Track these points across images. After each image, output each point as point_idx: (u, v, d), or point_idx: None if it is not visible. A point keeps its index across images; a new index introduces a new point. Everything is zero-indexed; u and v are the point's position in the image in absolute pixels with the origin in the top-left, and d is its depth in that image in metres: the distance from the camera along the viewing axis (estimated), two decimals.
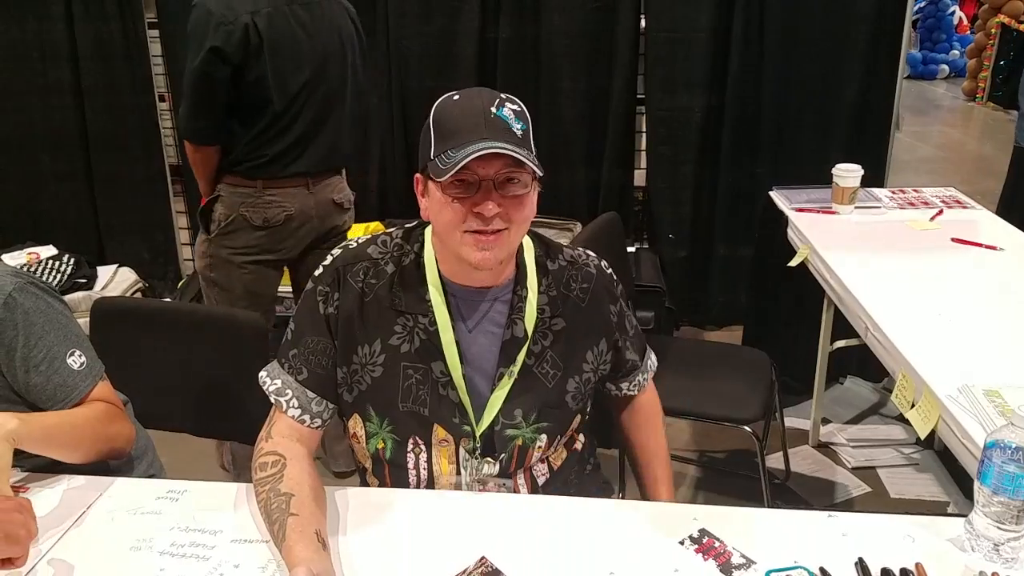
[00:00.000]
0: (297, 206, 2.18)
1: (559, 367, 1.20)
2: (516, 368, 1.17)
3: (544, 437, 1.20)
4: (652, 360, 1.40)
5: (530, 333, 1.17)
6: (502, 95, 1.09)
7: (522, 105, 1.10)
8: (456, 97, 1.10)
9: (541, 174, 1.09)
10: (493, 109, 1.06)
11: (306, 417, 1.17)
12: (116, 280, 3.18)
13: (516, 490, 1.22)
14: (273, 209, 2.15)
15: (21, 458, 1.18)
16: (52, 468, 1.21)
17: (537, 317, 1.18)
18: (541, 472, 1.24)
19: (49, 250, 3.14)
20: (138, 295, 3.22)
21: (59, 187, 3.42)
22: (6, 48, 3.23)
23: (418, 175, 1.13)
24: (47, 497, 1.17)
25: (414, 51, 3.14)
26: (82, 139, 3.35)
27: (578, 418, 1.26)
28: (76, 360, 1.22)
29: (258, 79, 2.03)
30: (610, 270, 1.28)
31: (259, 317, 1.65)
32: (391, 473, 1.21)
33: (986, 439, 1.02)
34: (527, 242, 1.21)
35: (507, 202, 1.07)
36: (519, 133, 1.07)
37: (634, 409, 1.40)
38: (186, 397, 1.60)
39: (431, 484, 1.20)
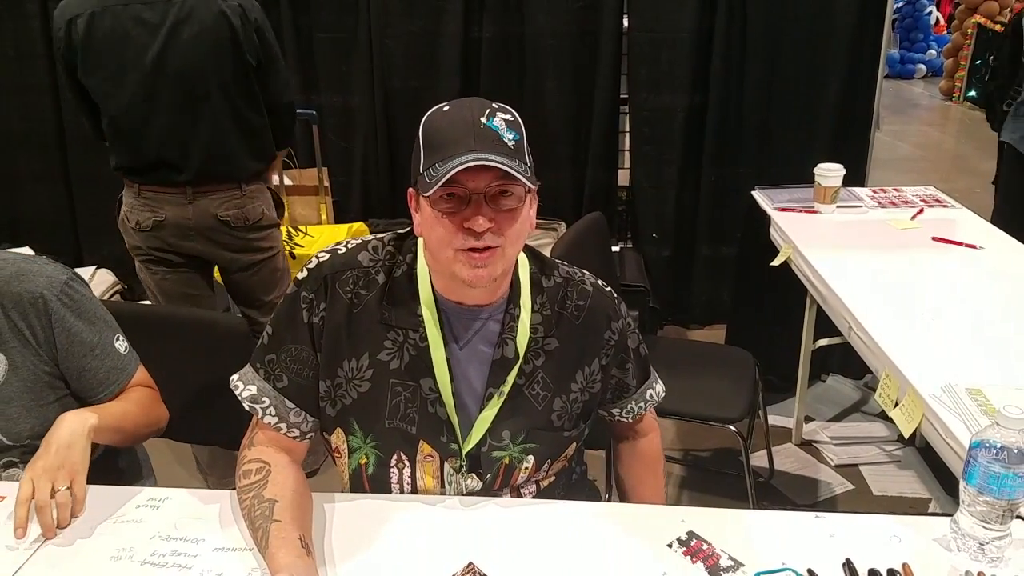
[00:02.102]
0: (171, 213, 2.08)
1: (550, 388, 1.16)
2: (506, 388, 1.13)
3: (531, 458, 1.16)
4: (655, 391, 1.31)
5: (521, 353, 1.13)
6: (494, 104, 1.04)
7: (516, 115, 1.05)
8: (446, 108, 1.05)
9: (532, 187, 1.05)
10: (483, 119, 1.01)
11: (283, 426, 1.14)
12: (95, 282, 3.14)
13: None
14: (145, 213, 2.08)
15: None
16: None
17: (530, 337, 1.14)
18: (528, 491, 1.21)
19: (25, 252, 3.09)
20: (117, 297, 3.18)
21: (36, 188, 3.37)
22: None
23: (411, 190, 1.09)
24: None
25: (397, 50, 3.12)
26: (59, 139, 3.30)
27: (572, 445, 1.22)
28: (122, 344, 1.29)
29: (92, 81, 1.98)
30: (609, 288, 1.23)
31: (241, 321, 1.63)
32: (372, 491, 1.17)
33: (971, 439, 1.03)
34: (522, 258, 1.16)
35: (499, 216, 1.02)
36: (511, 144, 1.01)
37: (635, 456, 1.36)
38: (167, 402, 1.57)
39: None
